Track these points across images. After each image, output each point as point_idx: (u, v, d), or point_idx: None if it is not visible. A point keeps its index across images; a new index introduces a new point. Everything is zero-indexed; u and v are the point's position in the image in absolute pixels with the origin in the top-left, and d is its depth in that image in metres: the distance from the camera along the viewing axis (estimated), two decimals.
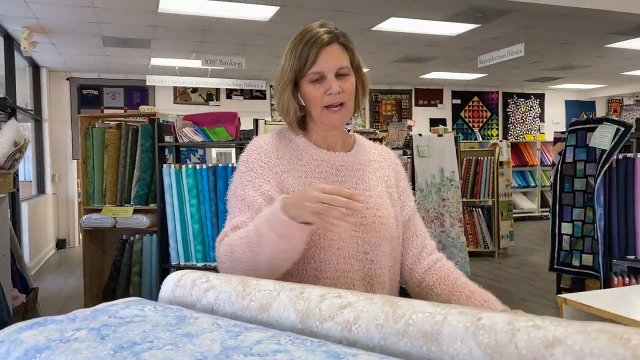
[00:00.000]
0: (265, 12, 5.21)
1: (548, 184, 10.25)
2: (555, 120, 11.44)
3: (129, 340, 0.59)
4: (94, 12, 5.10)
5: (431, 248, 1.30)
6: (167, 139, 3.81)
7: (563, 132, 4.11)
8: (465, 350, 0.56)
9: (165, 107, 8.46)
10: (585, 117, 3.74)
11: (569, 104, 11.69)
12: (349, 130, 1.38)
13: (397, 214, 1.26)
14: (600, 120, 3.46)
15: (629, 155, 3.33)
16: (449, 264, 1.28)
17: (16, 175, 4.50)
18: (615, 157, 3.31)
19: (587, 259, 3.56)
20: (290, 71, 1.18)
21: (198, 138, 3.57)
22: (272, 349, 0.57)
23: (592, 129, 3.45)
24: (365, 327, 0.63)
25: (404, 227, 1.29)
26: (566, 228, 3.70)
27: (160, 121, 3.90)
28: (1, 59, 5.76)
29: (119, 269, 4.13)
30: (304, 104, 1.22)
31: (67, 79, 8.27)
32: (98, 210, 4.14)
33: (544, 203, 10.30)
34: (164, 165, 3.59)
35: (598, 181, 3.33)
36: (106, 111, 8.36)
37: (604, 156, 3.31)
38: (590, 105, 11.82)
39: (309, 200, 0.96)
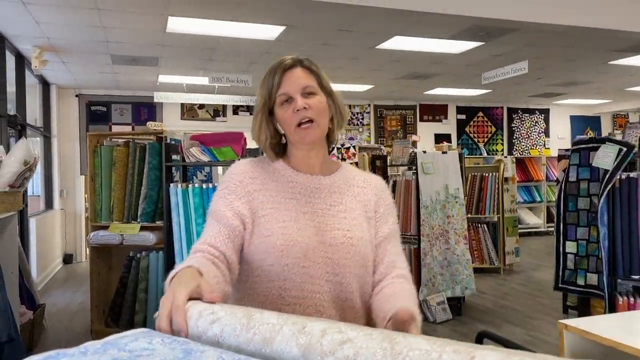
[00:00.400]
0: (272, 32, 5.29)
1: (554, 199, 10.22)
2: (560, 135, 11.44)
3: None
4: (103, 31, 5.20)
5: (394, 275, 1.24)
6: (175, 157, 3.86)
7: (567, 150, 4.13)
8: None
9: (172, 123, 8.56)
10: (590, 133, 3.78)
11: (574, 119, 11.70)
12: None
13: (372, 238, 1.25)
14: (603, 140, 3.49)
15: (632, 174, 3.34)
16: (394, 285, 1.21)
17: (24, 191, 4.56)
18: (619, 177, 3.33)
19: (592, 278, 3.55)
20: (262, 98, 1.24)
21: (205, 158, 3.62)
22: None
23: (595, 149, 3.47)
24: None
25: (374, 252, 1.27)
26: (571, 247, 3.70)
27: (168, 140, 3.96)
28: (12, 76, 5.86)
29: (125, 285, 4.16)
30: (283, 132, 1.26)
31: (76, 96, 8.38)
32: (105, 227, 4.18)
33: (550, 218, 10.25)
34: (171, 185, 3.64)
35: (601, 201, 3.34)
36: (114, 127, 8.46)
37: (607, 176, 3.33)
38: (595, 121, 11.81)
39: (167, 300, 0.86)
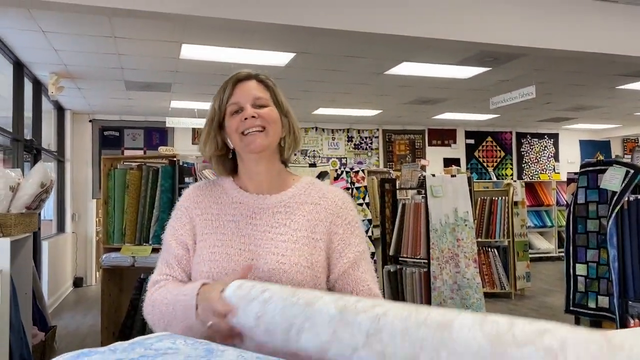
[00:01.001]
0: (282, 59, 5.41)
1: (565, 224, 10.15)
2: (570, 160, 11.43)
3: None
4: (118, 58, 5.35)
5: None
6: (187, 180, 3.94)
7: (576, 173, 4.15)
8: (471, 336, 0.69)
9: (183, 148, 8.68)
10: (600, 157, 3.81)
11: (583, 144, 11.71)
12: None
13: (315, 263, 1.15)
14: (610, 163, 3.52)
15: None
16: None
17: (38, 214, 4.64)
18: (627, 199, 3.34)
19: (603, 301, 3.53)
20: (212, 110, 1.20)
21: None
22: None
23: (603, 171, 3.50)
24: (392, 317, 0.77)
25: (340, 281, 1.17)
26: (581, 269, 3.69)
27: (181, 163, 4.04)
28: (29, 102, 6.02)
29: (136, 308, 4.18)
30: (232, 147, 1.20)
31: (90, 121, 8.55)
32: (117, 249, 4.24)
33: (561, 243, 10.17)
34: None
35: (610, 222, 3.34)
36: (126, 152, 8.61)
37: (615, 198, 3.35)
38: (605, 145, 11.81)
39: (215, 315, 0.95)
